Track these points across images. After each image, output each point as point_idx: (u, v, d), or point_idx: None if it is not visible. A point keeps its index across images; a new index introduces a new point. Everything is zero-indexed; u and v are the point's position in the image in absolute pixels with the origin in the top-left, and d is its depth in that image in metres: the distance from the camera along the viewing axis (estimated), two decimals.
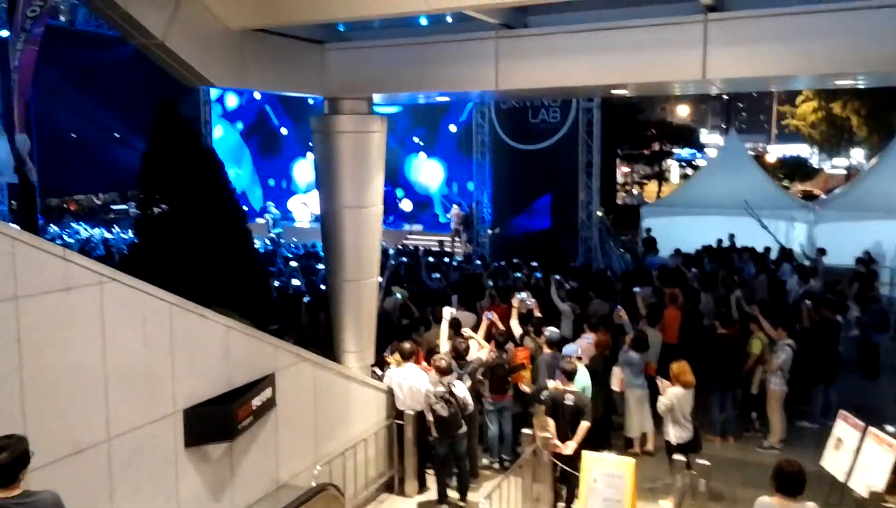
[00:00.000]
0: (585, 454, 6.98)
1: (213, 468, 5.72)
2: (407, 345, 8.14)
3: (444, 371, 7.49)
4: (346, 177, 7.55)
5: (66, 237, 20.71)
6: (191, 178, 8.35)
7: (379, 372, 8.49)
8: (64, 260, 4.34)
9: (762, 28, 5.53)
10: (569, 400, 7.36)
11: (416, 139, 23.62)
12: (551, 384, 7.55)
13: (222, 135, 27.85)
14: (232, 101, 27.78)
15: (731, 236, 18.33)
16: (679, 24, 5.81)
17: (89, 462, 4.57)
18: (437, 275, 13.30)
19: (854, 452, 6.90)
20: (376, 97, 7.56)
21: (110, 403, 4.68)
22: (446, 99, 8.02)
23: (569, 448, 7.26)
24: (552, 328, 8.87)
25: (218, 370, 5.69)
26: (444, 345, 8.25)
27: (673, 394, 7.51)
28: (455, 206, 21.44)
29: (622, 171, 37.73)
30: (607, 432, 9.03)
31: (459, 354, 7.96)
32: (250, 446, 6.10)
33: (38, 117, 19.00)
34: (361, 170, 7.61)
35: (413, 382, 7.92)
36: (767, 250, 17.06)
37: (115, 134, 24.44)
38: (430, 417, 8.00)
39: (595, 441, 8.75)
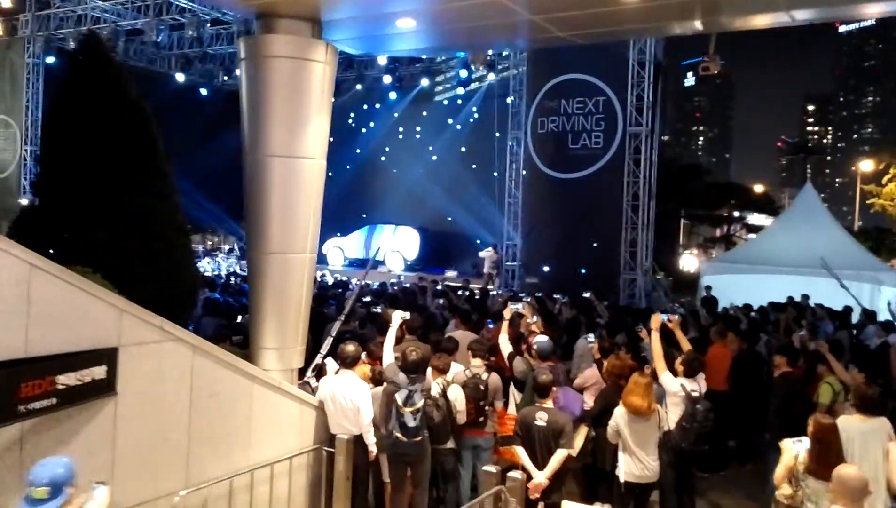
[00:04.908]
0: (566, 505, 4.87)
1: None
2: (350, 347, 6.19)
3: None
4: (276, 116, 5.81)
5: None
6: (105, 133, 6.78)
7: (314, 384, 6.52)
8: None
9: None
10: (541, 420, 5.45)
11: None
12: None
13: None
14: None
15: (805, 297, 15.91)
16: None
17: None
18: (442, 301, 11.39)
19: None
20: None
21: None
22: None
23: (537, 478, 5.39)
24: (541, 337, 6.76)
25: (4, 325, 3.89)
26: (389, 355, 6.29)
27: (618, 415, 5.78)
28: (490, 248, 19.44)
29: (693, 254, 35.21)
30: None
31: (408, 365, 5.93)
32: (60, 446, 4.22)
33: None
34: (297, 109, 5.86)
35: (349, 395, 5.95)
36: (848, 309, 14.59)
37: None
38: (372, 449, 6.02)
39: (597, 496, 6.57)
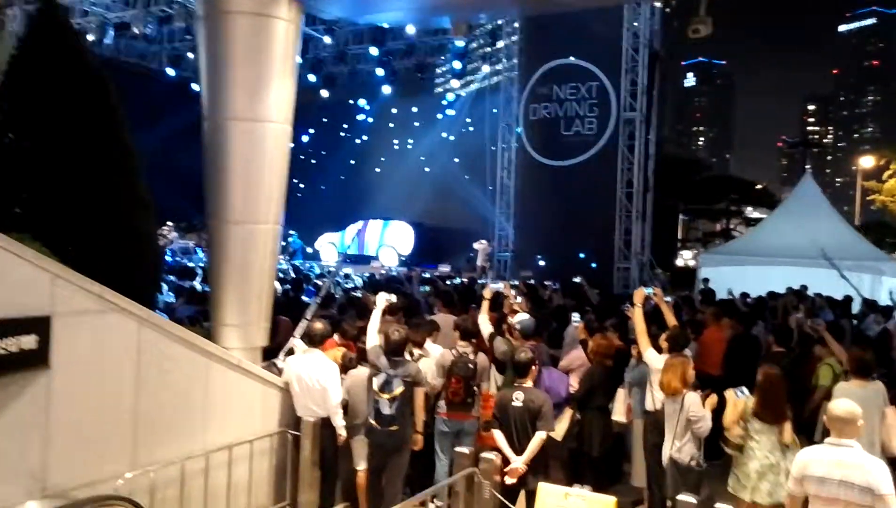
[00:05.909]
0: (543, 487, 4.52)
1: None
2: (318, 325, 5.86)
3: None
4: (236, 77, 5.47)
5: None
6: (59, 99, 6.38)
7: (280, 365, 6.16)
8: None
9: None
10: (517, 400, 5.14)
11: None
12: None
13: None
14: None
15: (804, 287, 15.52)
16: None
17: None
18: (427, 288, 11.05)
19: None
20: None
21: None
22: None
23: (515, 463, 5.08)
24: (522, 315, 6.41)
25: None
26: (373, 337, 5.94)
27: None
28: (483, 241, 19.08)
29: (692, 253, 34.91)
30: (604, 480, 6.34)
31: (392, 346, 5.58)
32: None
33: None
34: (259, 69, 5.51)
35: (316, 375, 5.59)
36: (848, 298, 14.22)
37: None
38: (341, 433, 5.67)
39: (583, 481, 6.19)
